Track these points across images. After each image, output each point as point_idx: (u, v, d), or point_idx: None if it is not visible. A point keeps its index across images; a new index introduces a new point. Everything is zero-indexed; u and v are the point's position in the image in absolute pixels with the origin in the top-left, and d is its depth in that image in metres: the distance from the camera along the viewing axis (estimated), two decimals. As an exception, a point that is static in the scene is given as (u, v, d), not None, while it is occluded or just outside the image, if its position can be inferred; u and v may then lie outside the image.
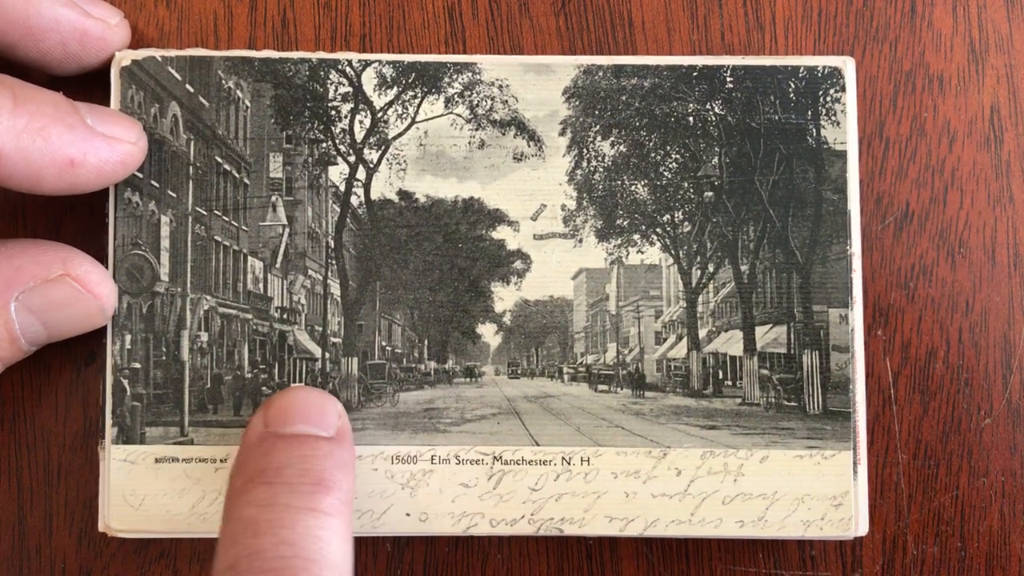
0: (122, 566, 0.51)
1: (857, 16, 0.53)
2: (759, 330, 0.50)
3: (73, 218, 0.51)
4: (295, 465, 0.41)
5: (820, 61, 0.50)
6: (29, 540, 0.51)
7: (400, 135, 0.50)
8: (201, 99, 0.50)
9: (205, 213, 0.50)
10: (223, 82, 0.50)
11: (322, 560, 0.39)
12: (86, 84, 0.50)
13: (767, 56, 0.51)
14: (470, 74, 0.50)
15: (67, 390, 0.51)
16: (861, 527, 0.48)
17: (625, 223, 0.51)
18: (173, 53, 0.50)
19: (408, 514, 0.48)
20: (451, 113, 0.50)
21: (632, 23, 0.53)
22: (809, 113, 0.50)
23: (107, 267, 0.48)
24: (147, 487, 0.48)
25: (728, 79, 0.50)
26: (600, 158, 0.51)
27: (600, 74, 0.50)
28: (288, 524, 0.39)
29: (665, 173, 0.51)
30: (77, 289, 0.46)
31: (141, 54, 0.49)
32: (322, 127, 0.50)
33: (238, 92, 0.50)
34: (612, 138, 0.51)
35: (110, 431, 0.48)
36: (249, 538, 0.39)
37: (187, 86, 0.50)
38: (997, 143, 0.52)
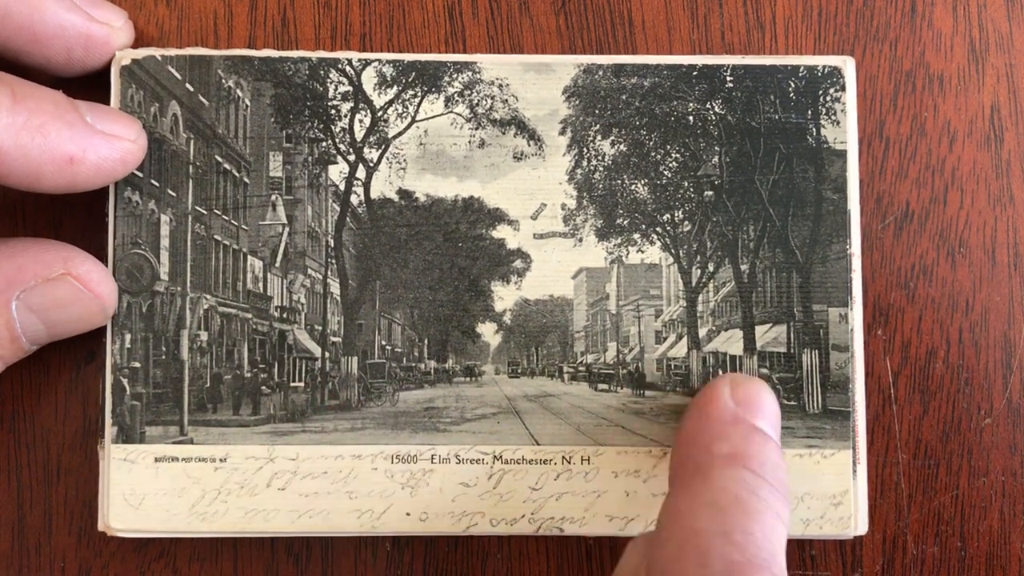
0: (122, 565, 0.51)
1: (857, 16, 0.53)
2: (759, 329, 0.50)
3: (73, 217, 0.51)
4: (771, 466, 0.43)
5: (820, 61, 0.50)
6: (29, 539, 0.51)
7: (400, 134, 0.50)
8: (201, 98, 0.50)
9: (205, 212, 0.50)
10: (223, 81, 0.50)
11: (778, 566, 0.40)
12: (86, 83, 0.50)
13: (767, 56, 0.52)
14: (470, 73, 0.50)
15: (67, 389, 0.51)
16: (860, 526, 0.48)
17: (625, 222, 0.51)
18: (173, 52, 0.50)
19: (408, 513, 0.48)
20: (451, 112, 0.50)
21: (632, 22, 0.53)
22: (809, 112, 0.50)
23: (107, 266, 0.48)
24: (147, 486, 0.48)
25: (728, 78, 0.50)
26: (600, 157, 0.51)
27: (600, 73, 0.50)
28: (769, 520, 0.40)
29: (665, 172, 0.51)
30: (78, 288, 0.46)
31: (141, 53, 0.49)
32: (322, 126, 0.50)
33: (238, 91, 0.50)
34: (612, 137, 0.51)
35: (110, 430, 0.48)
36: (741, 516, 0.40)
37: (187, 85, 0.50)
38: (997, 143, 0.52)
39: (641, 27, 0.53)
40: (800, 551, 0.51)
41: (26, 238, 0.47)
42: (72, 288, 0.46)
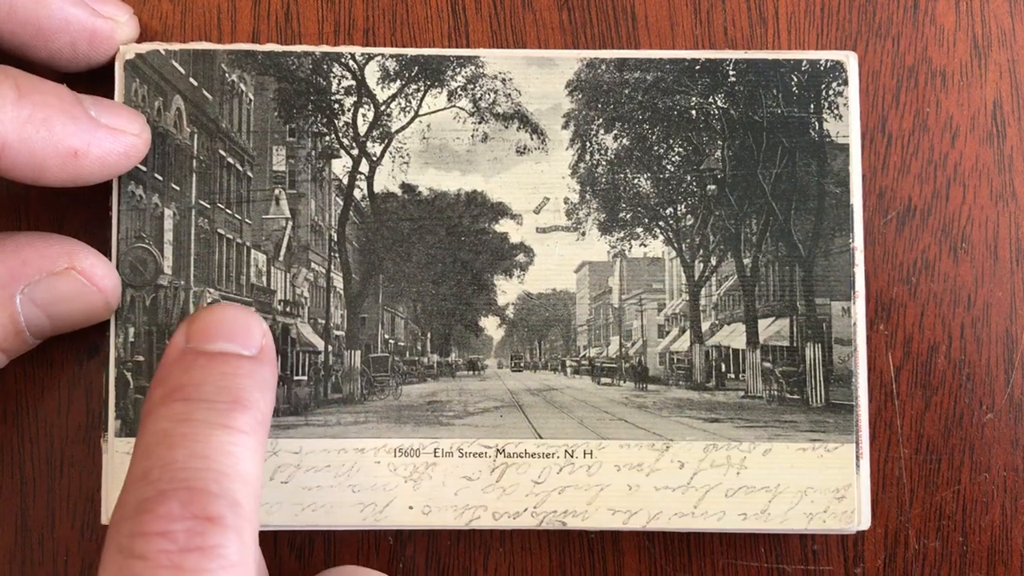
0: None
1: (860, 11, 0.53)
2: (762, 323, 0.51)
3: (76, 211, 0.51)
4: (213, 383, 0.41)
5: (822, 55, 0.50)
6: (31, 532, 0.51)
7: (403, 128, 0.50)
8: (205, 92, 0.50)
9: (208, 206, 0.50)
10: (226, 75, 0.50)
11: (233, 474, 0.38)
12: (90, 77, 0.50)
13: (769, 50, 0.52)
14: (473, 67, 0.50)
15: (70, 383, 0.51)
16: (863, 521, 0.48)
17: (628, 216, 0.51)
18: (177, 47, 0.50)
19: (411, 507, 0.48)
20: (454, 106, 0.50)
21: (635, 17, 0.53)
22: (811, 107, 0.50)
23: (111, 260, 0.48)
24: None
25: (731, 73, 0.50)
26: (603, 151, 0.51)
27: (603, 67, 0.50)
28: (202, 439, 0.39)
29: (668, 166, 0.51)
30: (82, 282, 0.46)
31: (145, 48, 0.49)
32: (325, 120, 0.50)
33: (241, 85, 0.50)
34: (615, 131, 0.51)
35: (113, 424, 0.48)
36: (163, 449, 0.39)
37: (191, 79, 0.50)
38: (1000, 138, 0.52)
39: (644, 22, 0.53)
40: (802, 545, 0.51)
41: (30, 232, 0.47)
42: (76, 282, 0.46)
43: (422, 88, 0.50)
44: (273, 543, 0.51)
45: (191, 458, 0.38)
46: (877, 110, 0.52)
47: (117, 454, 0.48)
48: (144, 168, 0.49)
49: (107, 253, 0.49)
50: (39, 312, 0.45)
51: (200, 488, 0.37)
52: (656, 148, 0.51)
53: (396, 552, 0.51)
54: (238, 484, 0.38)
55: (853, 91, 0.50)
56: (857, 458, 0.48)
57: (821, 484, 0.48)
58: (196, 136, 0.50)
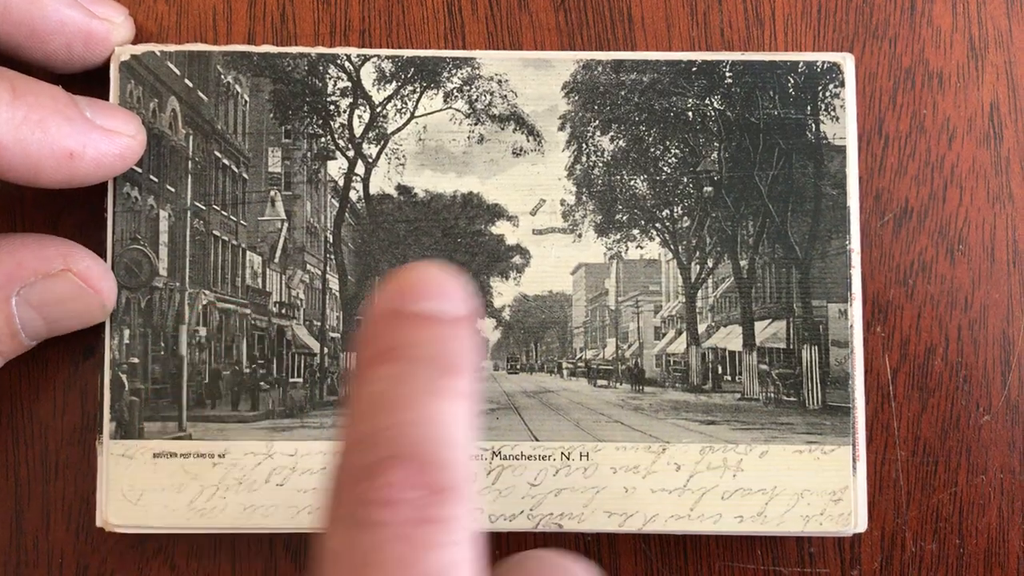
0: (119, 561, 0.51)
1: (857, 12, 0.53)
2: (758, 325, 0.50)
3: (71, 213, 0.51)
4: (428, 345, 0.38)
5: (819, 56, 0.50)
6: (26, 535, 0.51)
7: (399, 130, 0.50)
8: (200, 94, 0.50)
9: (204, 208, 0.50)
10: (222, 77, 0.50)
11: (456, 442, 0.36)
12: (85, 79, 0.50)
13: (766, 52, 0.52)
14: (469, 69, 0.50)
15: (65, 385, 0.51)
16: (860, 523, 0.48)
17: (624, 218, 0.51)
18: (172, 48, 0.50)
19: None
20: (450, 108, 0.50)
21: (631, 19, 0.53)
22: (808, 108, 0.50)
23: (106, 262, 0.48)
24: (145, 482, 0.48)
25: (727, 74, 0.50)
26: (599, 153, 0.51)
27: (599, 69, 0.50)
28: (423, 403, 0.37)
29: (664, 168, 0.51)
30: (78, 284, 0.46)
31: (140, 49, 0.49)
32: (321, 122, 0.50)
33: (237, 87, 0.50)
34: (611, 133, 0.51)
35: (108, 426, 0.48)
36: (384, 412, 0.36)
37: (186, 81, 0.50)
38: (997, 140, 0.52)
39: (640, 23, 0.53)
40: (799, 548, 0.51)
41: (25, 234, 0.47)
42: (72, 284, 0.46)
43: (418, 89, 0.50)
44: (269, 545, 0.51)
45: (413, 424, 0.36)
46: (874, 112, 0.52)
47: (112, 456, 0.48)
48: (139, 170, 0.49)
49: (102, 255, 0.48)
50: (35, 314, 0.45)
51: (429, 456, 0.35)
52: (652, 150, 0.51)
53: (392, 554, 0.51)
54: (458, 452, 0.36)
55: (850, 93, 0.50)
56: (854, 460, 0.48)
57: (818, 486, 0.48)
58: (191, 138, 0.50)
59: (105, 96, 0.49)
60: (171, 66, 0.49)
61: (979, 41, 0.53)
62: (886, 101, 0.52)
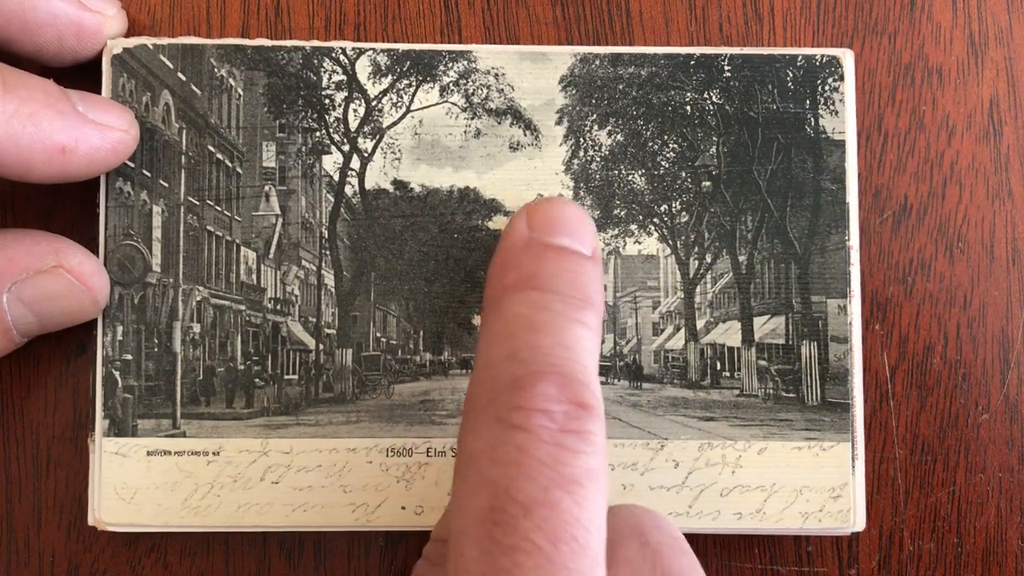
0: (112, 560, 0.50)
1: (856, 8, 0.53)
2: (757, 321, 0.50)
3: (63, 209, 0.51)
4: (565, 277, 0.41)
5: (818, 51, 0.50)
6: (17, 533, 0.50)
7: (395, 124, 0.50)
8: (193, 87, 0.49)
9: (197, 203, 0.49)
10: (215, 70, 0.49)
11: (592, 368, 0.40)
12: (77, 72, 0.49)
13: (765, 47, 0.51)
14: (465, 62, 0.50)
15: (57, 382, 0.51)
16: (859, 521, 0.48)
17: (622, 213, 0.50)
18: (165, 41, 0.49)
19: (403, 507, 0.48)
20: (446, 102, 0.50)
21: (629, 13, 0.52)
22: (807, 102, 0.50)
23: (99, 258, 0.48)
24: (139, 480, 0.47)
25: (726, 68, 0.50)
26: (597, 147, 0.50)
27: (597, 63, 0.50)
28: (563, 329, 0.40)
29: (662, 163, 0.50)
30: (70, 281, 0.46)
31: (132, 42, 0.49)
32: (316, 116, 0.50)
33: (231, 80, 0.49)
34: (609, 127, 0.50)
35: (101, 423, 0.48)
36: (528, 333, 0.39)
37: (179, 74, 0.49)
38: (996, 137, 0.52)
39: (639, 18, 0.52)
40: (796, 547, 0.51)
41: (17, 229, 0.46)
42: (64, 280, 0.45)
43: (414, 83, 0.50)
44: (263, 543, 0.51)
45: (557, 346, 0.39)
46: (873, 108, 0.52)
47: (105, 454, 0.47)
48: (132, 164, 0.48)
49: (95, 250, 0.48)
50: (26, 311, 0.45)
51: (571, 375, 0.38)
52: (650, 144, 0.50)
53: (387, 554, 0.51)
54: (594, 378, 0.39)
55: (849, 87, 0.50)
56: (853, 457, 0.48)
57: (817, 483, 0.48)
58: (185, 132, 0.49)
59: (97, 90, 0.48)
60: (164, 59, 0.49)
61: (979, 37, 0.52)
62: (885, 97, 0.52)
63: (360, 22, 0.52)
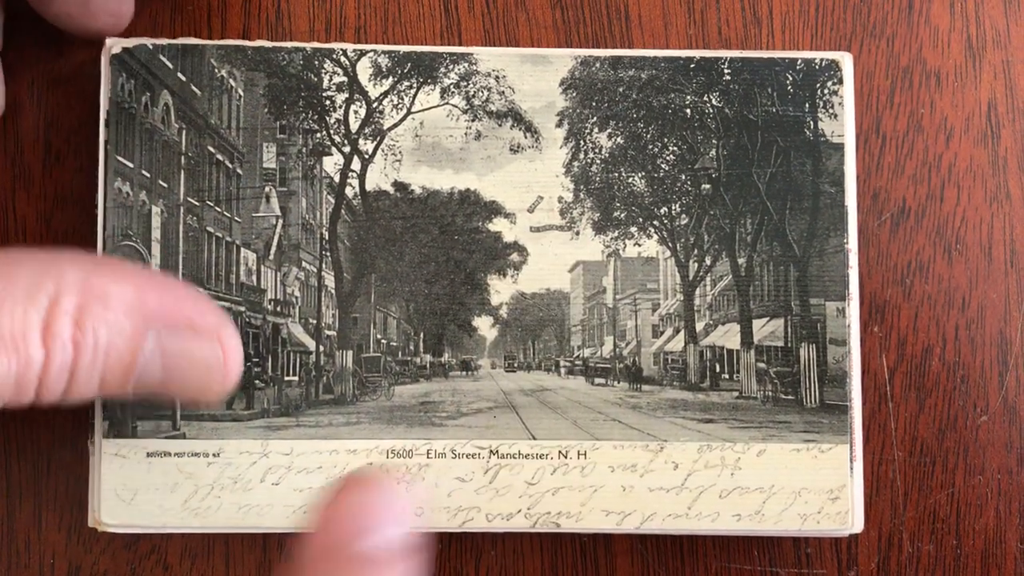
0: (112, 561, 0.50)
1: (854, 11, 0.53)
2: (756, 323, 0.50)
3: (63, 211, 0.51)
4: None
5: (818, 55, 0.50)
6: (18, 535, 0.50)
7: (395, 126, 0.50)
8: (193, 88, 0.49)
9: (197, 203, 0.49)
10: (215, 71, 0.49)
11: None
12: (77, 72, 0.49)
13: (764, 50, 0.51)
14: (466, 64, 0.50)
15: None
16: (857, 522, 0.48)
17: (622, 215, 0.50)
18: (165, 41, 0.49)
19: None
20: (447, 104, 0.50)
21: (629, 16, 0.53)
22: (806, 106, 0.50)
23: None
24: (139, 481, 0.47)
25: (726, 71, 0.50)
26: (597, 150, 0.50)
27: (597, 65, 0.50)
28: None
29: (662, 165, 0.50)
30: (219, 357, 0.41)
31: (132, 42, 0.49)
32: (316, 117, 0.50)
33: (231, 81, 0.49)
34: (609, 130, 0.50)
35: (101, 425, 0.48)
36: None
37: (179, 74, 0.49)
38: (994, 139, 0.52)
39: (638, 21, 0.53)
40: (795, 548, 0.51)
41: (177, 281, 0.43)
42: (214, 352, 0.41)
43: (415, 85, 0.50)
44: (263, 545, 0.50)
45: None
46: (871, 111, 0.52)
47: (105, 455, 0.47)
48: (131, 164, 0.48)
49: (94, 250, 0.48)
50: (159, 361, 0.40)
51: None
52: (650, 147, 0.50)
53: (387, 555, 0.51)
54: None
55: (848, 90, 0.50)
56: (851, 459, 0.48)
57: (815, 485, 0.48)
58: (184, 132, 0.49)
59: (96, 90, 0.48)
60: (163, 59, 0.49)
61: (977, 40, 0.52)
62: (884, 100, 0.52)
63: (360, 25, 0.52)
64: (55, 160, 0.51)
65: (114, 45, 0.48)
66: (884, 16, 0.53)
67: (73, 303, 0.37)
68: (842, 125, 0.50)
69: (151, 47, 0.49)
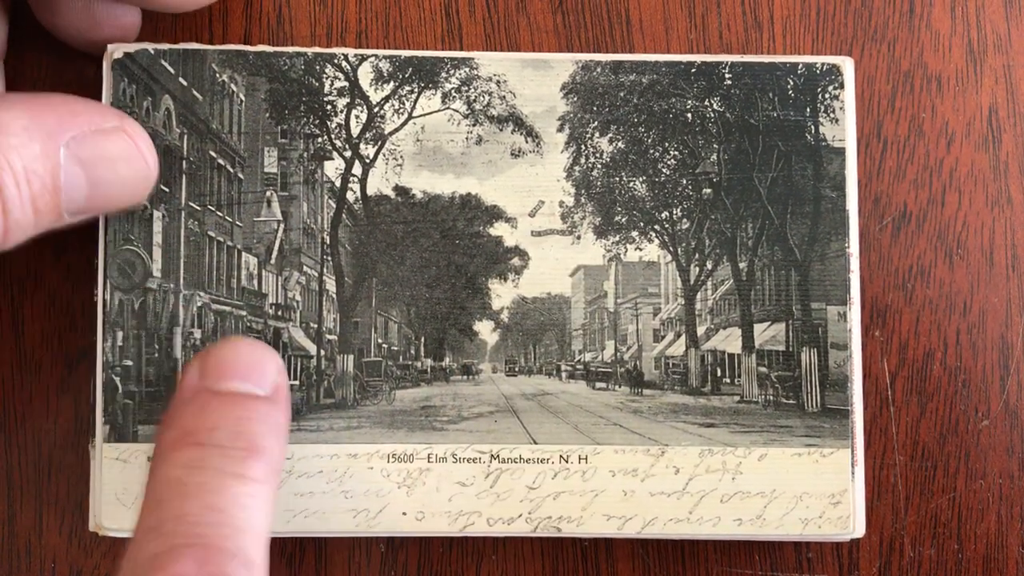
0: (112, 566, 0.50)
1: (855, 16, 0.53)
2: (758, 328, 0.50)
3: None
4: (228, 428, 0.39)
5: (819, 59, 0.50)
6: (19, 539, 0.50)
7: (397, 130, 0.50)
8: (195, 92, 0.49)
9: (199, 208, 0.49)
10: (217, 75, 0.49)
11: (248, 528, 0.37)
12: (78, 78, 0.49)
13: (765, 55, 0.51)
14: (467, 69, 0.50)
15: (58, 388, 0.50)
16: (859, 527, 0.48)
17: (623, 220, 0.50)
18: (166, 46, 0.49)
19: (404, 513, 0.48)
20: (448, 108, 0.50)
21: (630, 21, 0.53)
22: (808, 110, 0.50)
23: (98, 264, 0.48)
24: (140, 485, 0.47)
25: (727, 76, 0.50)
26: (598, 154, 0.50)
27: (598, 70, 0.50)
28: (216, 489, 0.37)
29: (663, 170, 0.50)
30: (132, 145, 0.42)
31: (133, 47, 0.49)
32: (317, 122, 0.50)
33: (232, 86, 0.49)
34: (610, 134, 0.50)
35: (102, 429, 0.47)
36: (176, 500, 0.37)
37: (180, 79, 0.49)
38: (995, 144, 0.52)
39: (639, 26, 0.53)
40: (797, 553, 0.51)
41: (68, 96, 0.43)
42: (126, 144, 0.42)
43: (416, 90, 0.50)
44: (263, 550, 0.50)
45: (205, 511, 0.37)
46: (872, 115, 0.52)
47: (106, 459, 0.47)
48: None
49: (94, 255, 0.48)
50: (81, 172, 0.41)
51: (216, 545, 0.36)
52: (652, 151, 0.50)
53: (388, 560, 0.51)
54: (251, 539, 0.37)
55: (849, 95, 0.50)
56: (852, 463, 0.48)
57: (816, 489, 0.48)
58: (186, 137, 0.49)
59: (98, 95, 0.48)
60: (165, 64, 0.49)
61: (978, 45, 0.52)
62: (885, 105, 0.52)
63: (362, 30, 0.52)
64: (57, 165, 0.51)
65: (116, 50, 0.48)
66: (885, 20, 0.53)
67: None
68: (843, 129, 0.50)
69: (152, 52, 0.49)
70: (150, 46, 0.49)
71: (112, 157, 0.42)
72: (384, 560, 0.51)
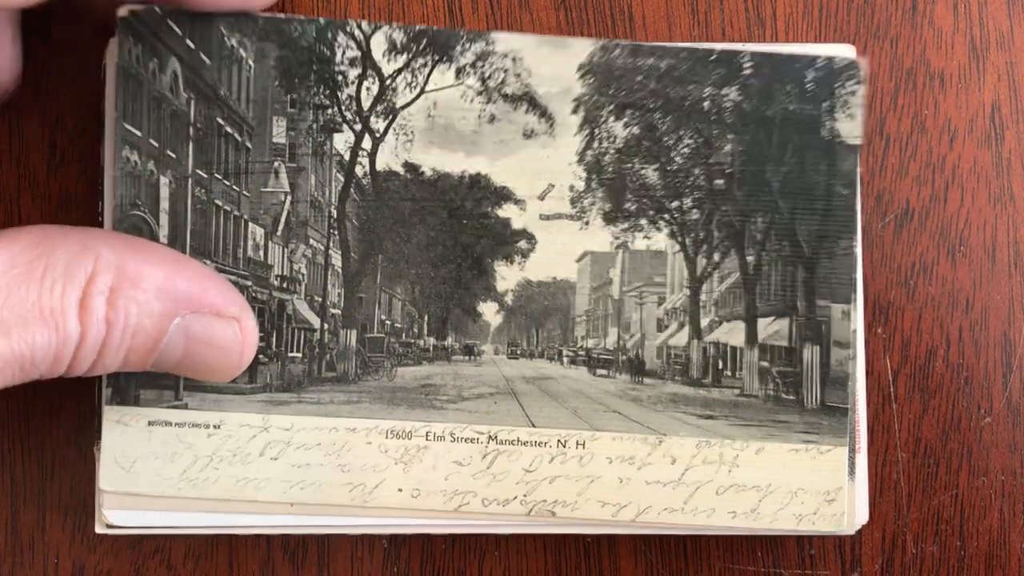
0: (115, 562, 0.50)
1: (858, 12, 0.53)
2: (761, 322, 0.50)
3: (67, 214, 0.50)
4: None
5: (836, 51, 0.49)
6: (22, 536, 0.49)
7: (408, 104, 0.49)
8: (202, 56, 0.48)
9: (206, 176, 0.48)
10: (226, 39, 0.48)
11: None
12: (81, 75, 0.49)
13: (785, 43, 0.51)
14: (483, 44, 0.49)
15: (61, 385, 0.49)
16: (853, 524, 0.48)
17: (633, 207, 0.50)
18: (174, 6, 0.48)
19: (400, 489, 0.47)
20: (462, 84, 0.49)
21: (632, 17, 0.53)
22: (824, 105, 0.49)
23: (103, 227, 0.47)
24: (139, 449, 0.46)
25: (746, 65, 0.50)
26: (611, 139, 0.50)
27: (617, 51, 0.50)
28: None
29: (676, 158, 0.50)
30: (238, 340, 0.44)
31: (140, 6, 0.47)
32: (328, 92, 0.49)
33: (241, 51, 0.48)
34: (625, 119, 0.50)
35: (105, 391, 0.46)
36: None
37: (188, 42, 0.48)
38: (998, 141, 0.53)
39: (641, 22, 0.53)
40: (799, 549, 0.51)
41: (204, 266, 0.45)
42: (234, 338, 0.44)
43: (429, 63, 0.49)
44: (267, 545, 0.50)
45: None
46: (875, 112, 0.53)
47: (107, 422, 0.46)
48: (139, 133, 0.47)
49: (100, 222, 0.47)
50: (183, 344, 0.42)
51: None
52: (665, 139, 0.50)
53: (391, 556, 0.50)
54: None
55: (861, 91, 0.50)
56: (850, 462, 0.48)
57: (812, 486, 0.48)
58: (193, 102, 0.48)
59: (103, 54, 0.47)
60: (172, 25, 0.47)
61: (980, 42, 0.53)
62: (887, 101, 0.53)
63: (365, 23, 0.52)
64: (59, 162, 0.50)
65: (122, 9, 0.47)
66: (888, 17, 0.53)
67: (108, 283, 0.40)
68: (859, 126, 0.49)
69: (160, 11, 0.47)
70: (157, 6, 0.48)
71: (216, 344, 0.43)
72: (387, 556, 0.50)
